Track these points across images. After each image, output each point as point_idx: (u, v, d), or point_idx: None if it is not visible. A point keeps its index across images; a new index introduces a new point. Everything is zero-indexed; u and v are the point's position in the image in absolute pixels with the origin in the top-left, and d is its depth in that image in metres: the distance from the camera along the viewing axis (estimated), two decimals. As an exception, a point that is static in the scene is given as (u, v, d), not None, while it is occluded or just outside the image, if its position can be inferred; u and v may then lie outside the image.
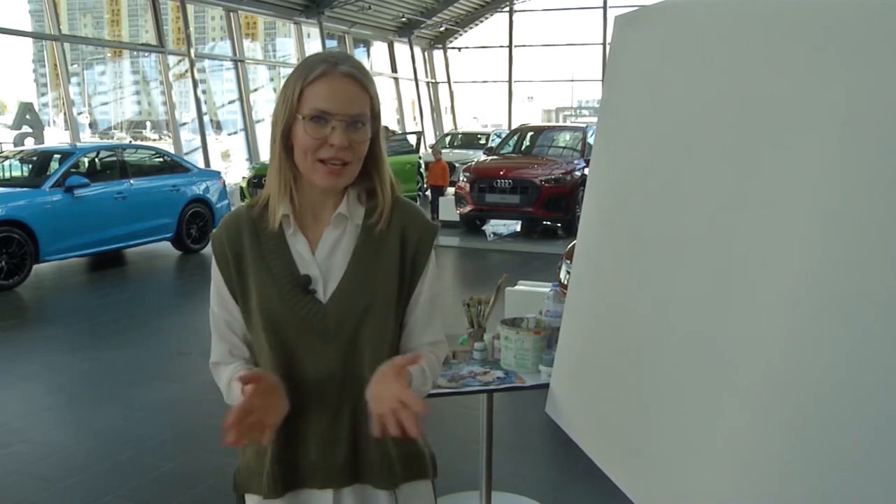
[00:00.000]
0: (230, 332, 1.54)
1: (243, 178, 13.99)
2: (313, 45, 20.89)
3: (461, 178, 12.11)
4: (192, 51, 16.58)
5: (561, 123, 23.27)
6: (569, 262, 4.38)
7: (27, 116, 13.49)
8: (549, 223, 12.18)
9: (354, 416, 1.50)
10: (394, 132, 16.88)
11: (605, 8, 23.15)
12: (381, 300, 1.49)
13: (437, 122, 27.28)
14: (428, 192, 14.06)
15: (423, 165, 15.50)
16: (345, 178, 1.45)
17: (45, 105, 18.43)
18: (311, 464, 1.51)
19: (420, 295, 1.55)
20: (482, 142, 19.75)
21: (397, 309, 1.53)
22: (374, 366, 1.45)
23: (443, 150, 16.89)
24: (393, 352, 1.52)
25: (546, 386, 2.58)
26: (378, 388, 1.38)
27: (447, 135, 22.41)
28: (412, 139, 16.38)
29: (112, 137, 18.32)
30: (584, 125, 14.02)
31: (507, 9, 26.62)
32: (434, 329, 1.58)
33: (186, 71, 16.69)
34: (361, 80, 1.44)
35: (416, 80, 26.05)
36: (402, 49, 25.52)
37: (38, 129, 13.48)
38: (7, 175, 9.35)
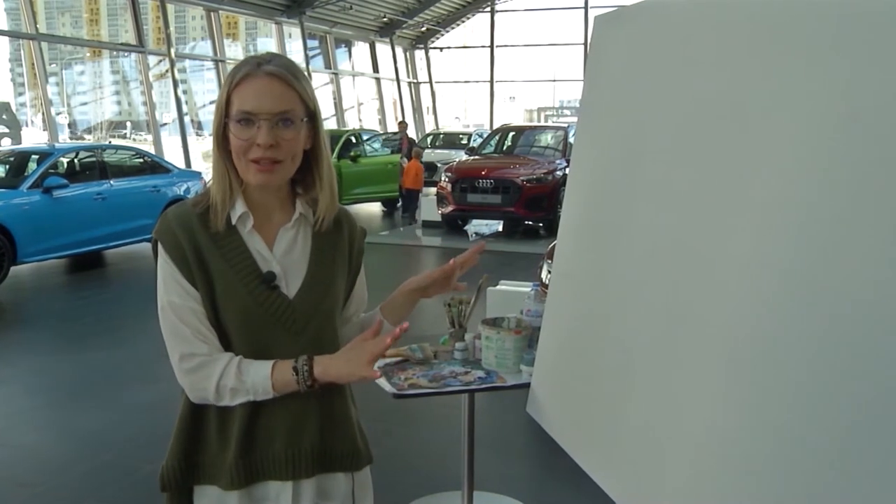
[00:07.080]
0: (197, 320, 1.49)
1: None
2: (294, 46, 20.82)
3: (443, 179, 12.10)
4: (173, 51, 16.47)
5: (542, 123, 23.32)
6: (550, 261, 4.39)
7: (4, 116, 13.40)
8: (530, 223, 12.21)
9: (322, 409, 1.57)
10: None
11: (586, 8, 23.23)
12: (337, 297, 1.61)
13: (418, 122, 27.26)
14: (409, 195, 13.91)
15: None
16: (277, 175, 1.48)
17: (23, 105, 18.22)
18: (277, 456, 1.53)
19: (359, 289, 1.71)
20: (464, 142, 19.76)
21: (343, 305, 1.66)
22: None
23: (424, 151, 16.76)
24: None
25: (527, 385, 2.58)
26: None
27: (429, 135, 22.39)
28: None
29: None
30: (566, 125, 14.04)
31: (488, 9, 26.65)
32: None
33: (167, 71, 16.58)
34: (286, 78, 1.46)
35: (397, 80, 26.01)
36: (383, 49, 25.47)
37: (15, 129, 13.39)
38: (-16, 176, 9.24)
